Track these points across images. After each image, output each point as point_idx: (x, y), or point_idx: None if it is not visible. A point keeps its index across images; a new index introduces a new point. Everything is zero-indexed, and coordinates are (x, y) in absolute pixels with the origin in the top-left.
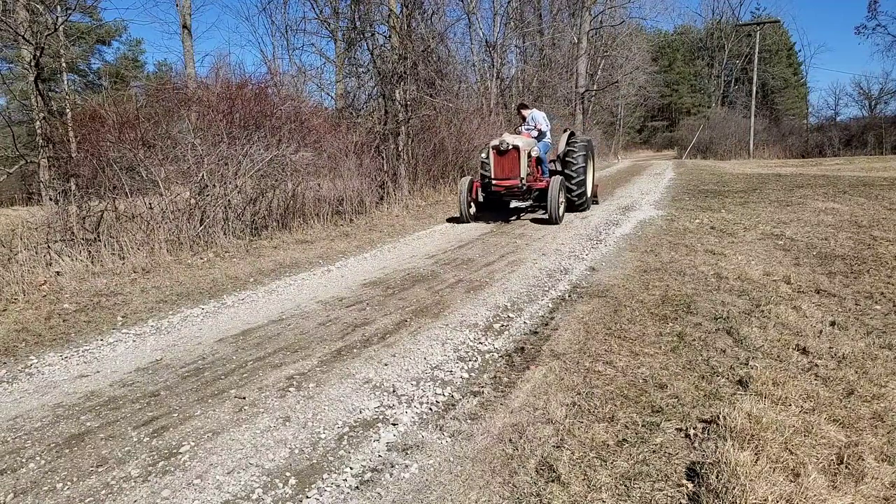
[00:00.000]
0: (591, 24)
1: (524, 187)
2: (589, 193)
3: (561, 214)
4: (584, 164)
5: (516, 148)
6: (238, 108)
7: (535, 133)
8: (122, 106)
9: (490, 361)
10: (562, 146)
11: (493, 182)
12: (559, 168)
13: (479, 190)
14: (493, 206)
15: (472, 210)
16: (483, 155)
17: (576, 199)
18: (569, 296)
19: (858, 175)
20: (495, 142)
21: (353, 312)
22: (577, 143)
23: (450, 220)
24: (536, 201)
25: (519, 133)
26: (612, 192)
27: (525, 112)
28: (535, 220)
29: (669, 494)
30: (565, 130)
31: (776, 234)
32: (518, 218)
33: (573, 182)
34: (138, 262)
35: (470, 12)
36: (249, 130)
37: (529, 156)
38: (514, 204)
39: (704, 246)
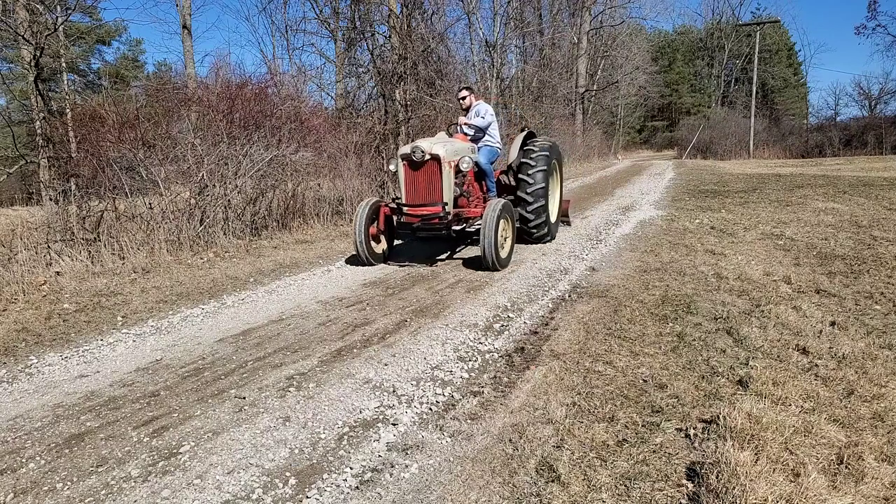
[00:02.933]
0: (591, 24)
1: (447, 218)
2: (554, 218)
3: (504, 256)
4: (543, 181)
5: (436, 158)
6: (238, 108)
7: (475, 132)
8: (122, 106)
9: (490, 361)
10: (514, 153)
11: (405, 209)
12: (511, 182)
13: (388, 218)
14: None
15: (383, 246)
16: (392, 167)
17: (534, 229)
18: (569, 296)
19: (858, 175)
20: (405, 148)
21: (354, 312)
22: (535, 148)
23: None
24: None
25: (455, 129)
26: (612, 193)
27: (468, 98)
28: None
29: (669, 494)
30: (522, 130)
31: (776, 234)
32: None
33: (529, 207)
34: (138, 262)
35: (470, 12)
36: (249, 130)
37: (459, 170)
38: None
39: (704, 246)
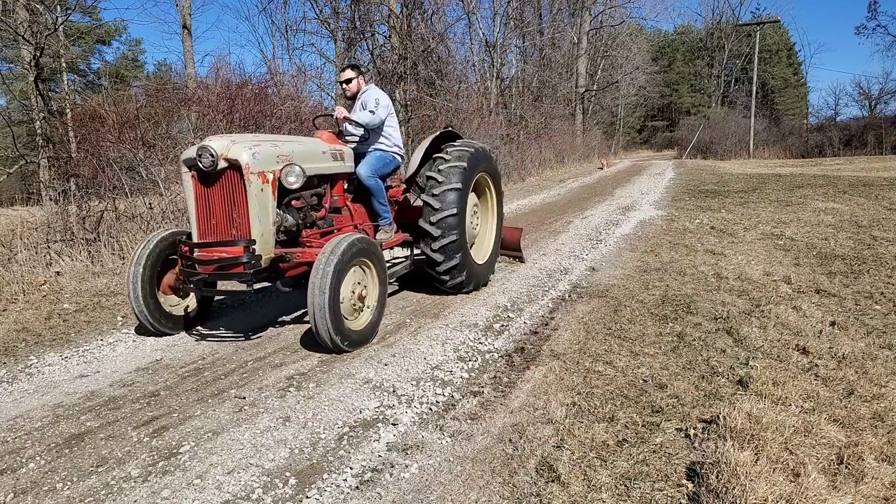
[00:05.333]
0: (591, 23)
1: (259, 265)
2: (484, 256)
3: (360, 328)
4: (456, 206)
5: (235, 167)
6: (238, 108)
7: (366, 125)
8: (122, 106)
9: (490, 361)
10: (414, 163)
11: (195, 251)
12: (420, 202)
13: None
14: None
15: (188, 303)
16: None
17: (445, 275)
18: (569, 296)
19: (858, 175)
20: (190, 152)
21: None
22: (448, 156)
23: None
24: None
25: (345, 128)
26: (612, 193)
27: (354, 82)
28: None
29: (669, 494)
30: (445, 128)
31: (776, 234)
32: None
33: (435, 243)
34: None
35: (470, 12)
36: (249, 130)
37: (290, 187)
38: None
39: (704, 246)
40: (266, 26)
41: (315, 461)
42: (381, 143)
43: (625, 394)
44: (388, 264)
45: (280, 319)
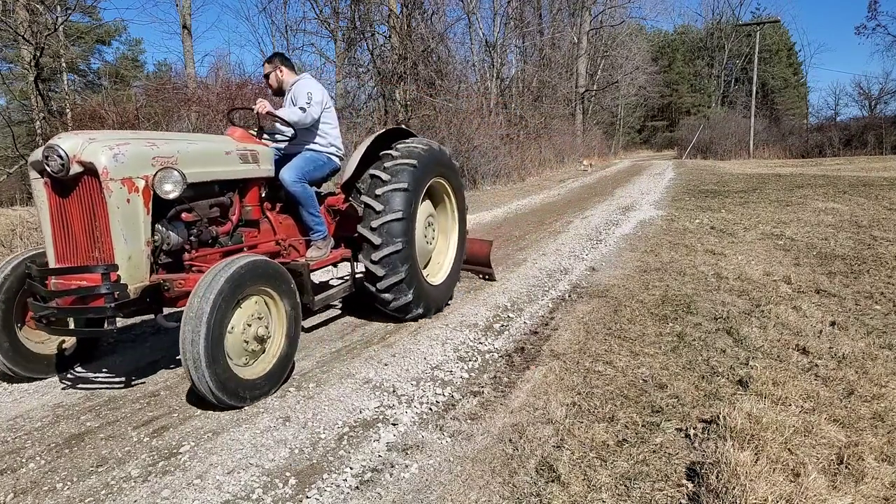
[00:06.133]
0: (591, 23)
1: (125, 297)
2: (440, 276)
3: (257, 376)
4: (402, 209)
5: (92, 173)
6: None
7: (296, 125)
8: (121, 106)
9: (490, 361)
10: (353, 163)
11: (51, 278)
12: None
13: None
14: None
15: (64, 342)
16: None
17: (385, 293)
18: (569, 296)
19: (858, 175)
20: (37, 153)
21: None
22: (396, 154)
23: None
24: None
25: (270, 126)
26: (612, 193)
27: (278, 71)
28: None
29: (669, 494)
30: (399, 124)
31: (776, 234)
32: None
33: (376, 253)
34: None
35: (470, 12)
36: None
37: (165, 196)
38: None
39: (704, 246)
40: (266, 26)
41: (315, 461)
42: (315, 142)
43: (625, 394)
44: (334, 283)
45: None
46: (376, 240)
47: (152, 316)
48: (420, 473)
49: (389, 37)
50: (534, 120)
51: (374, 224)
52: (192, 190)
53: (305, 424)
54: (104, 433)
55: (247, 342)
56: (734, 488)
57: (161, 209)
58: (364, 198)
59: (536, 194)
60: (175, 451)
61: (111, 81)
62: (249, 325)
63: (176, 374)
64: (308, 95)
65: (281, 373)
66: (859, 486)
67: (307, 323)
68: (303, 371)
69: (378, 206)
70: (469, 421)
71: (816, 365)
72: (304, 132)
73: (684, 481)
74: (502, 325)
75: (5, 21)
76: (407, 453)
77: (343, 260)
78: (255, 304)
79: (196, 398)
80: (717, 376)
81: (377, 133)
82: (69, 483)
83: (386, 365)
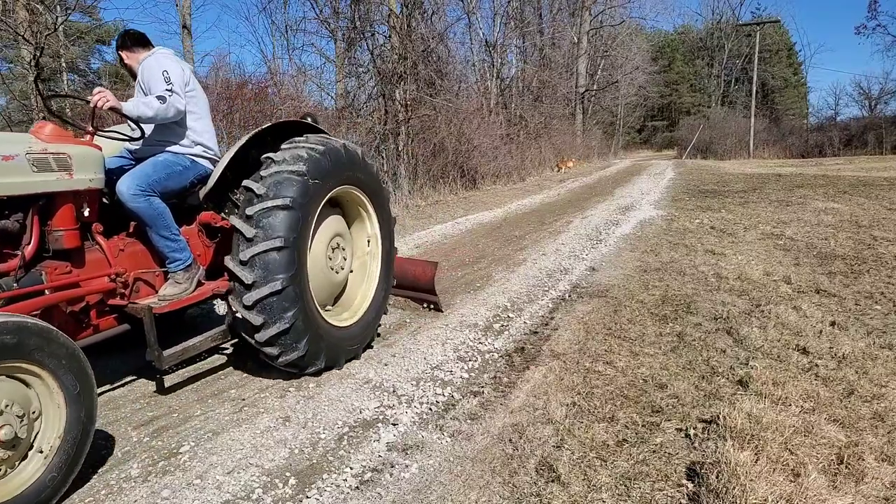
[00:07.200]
0: (591, 23)
1: None
2: (351, 318)
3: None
4: (285, 233)
5: None
6: (238, 108)
7: (152, 121)
8: None
9: (490, 361)
10: (217, 171)
11: None
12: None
13: None
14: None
15: None
16: None
17: (267, 346)
18: (569, 296)
19: (858, 175)
20: None
21: None
22: (279, 157)
23: None
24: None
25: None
26: (612, 192)
27: (129, 52)
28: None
29: (669, 494)
30: (303, 117)
31: (776, 234)
32: None
33: (248, 294)
34: None
35: (470, 12)
36: (249, 130)
37: None
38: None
39: (704, 246)
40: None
41: (315, 461)
42: (174, 141)
43: (625, 394)
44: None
45: None
46: (248, 277)
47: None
48: (420, 473)
49: (389, 37)
50: (534, 120)
51: (245, 256)
52: None
53: (305, 424)
54: (104, 433)
55: None
56: (734, 488)
57: None
58: (233, 219)
59: (536, 194)
60: (175, 451)
61: (111, 81)
62: None
63: (177, 374)
64: (164, 77)
65: (49, 492)
66: (859, 486)
67: None
68: None
69: (249, 232)
70: (469, 421)
71: (816, 365)
72: (161, 129)
73: (684, 481)
74: (502, 325)
75: (5, 21)
76: (407, 453)
77: (214, 297)
78: (2, 390)
79: (197, 398)
80: (717, 376)
81: (258, 129)
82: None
83: (386, 365)
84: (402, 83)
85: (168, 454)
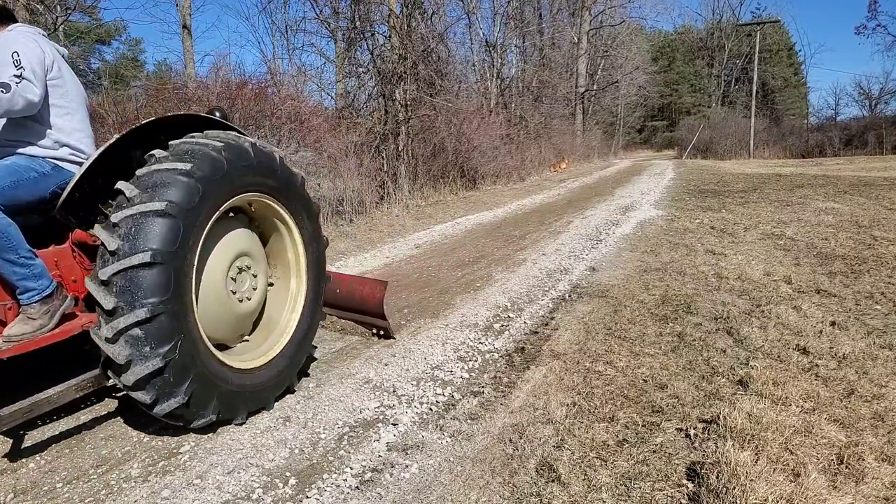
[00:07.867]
0: (590, 23)
1: None
2: (264, 356)
3: None
4: (161, 244)
5: None
6: (238, 108)
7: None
8: (121, 106)
9: (490, 361)
10: (80, 173)
11: None
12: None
13: None
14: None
15: None
16: None
17: (134, 390)
18: (569, 296)
19: (859, 175)
20: None
21: None
22: (163, 154)
23: None
24: None
25: None
26: (612, 192)
27: None
28: None
29: (669, 494)
30: (211, 111)
31: (776, 234)
32: None
33: (113, 322)
34: None
35: (470, 12)
36: (249, 130)
37: None
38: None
39: (704, 246)
40: (266, 26)
41: (315, 461)
42: (30, 140)
43: (625, 394)
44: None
45: None
46: (107, 301)
47: None
48: (420, 473)
49: (389, 37)
50: (534, 120)
51: (105, 274)
52: None
53: (305, 424)
54: (104, 433)
55: None
56: (734, 488)
57: None
58: (96, 229)
59: (537, 194)
60: (175, 451)
61: (111, 81)
62: None
63: None
64: (14, 60)
65: None
66: (859, 486)
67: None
68: (302, 370)
69: (112, 243)
70: (469, 421)
71: (816, 365)
72: (12, 125)
73: (684, 481)
74: (502, 325)
75: None
76: (407, 453)
77: (84, 333)
78: None
79: None
80: (718, 376)
81: (137, 125)
82: (69, 483)
83: (386, 365)
84: (402, 83)
85: (168, 454)
